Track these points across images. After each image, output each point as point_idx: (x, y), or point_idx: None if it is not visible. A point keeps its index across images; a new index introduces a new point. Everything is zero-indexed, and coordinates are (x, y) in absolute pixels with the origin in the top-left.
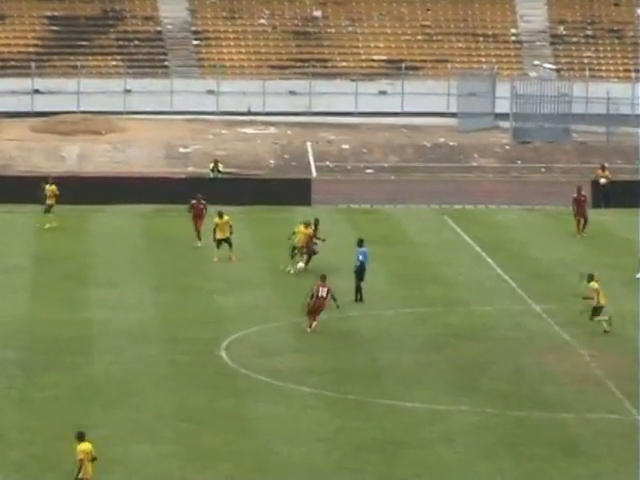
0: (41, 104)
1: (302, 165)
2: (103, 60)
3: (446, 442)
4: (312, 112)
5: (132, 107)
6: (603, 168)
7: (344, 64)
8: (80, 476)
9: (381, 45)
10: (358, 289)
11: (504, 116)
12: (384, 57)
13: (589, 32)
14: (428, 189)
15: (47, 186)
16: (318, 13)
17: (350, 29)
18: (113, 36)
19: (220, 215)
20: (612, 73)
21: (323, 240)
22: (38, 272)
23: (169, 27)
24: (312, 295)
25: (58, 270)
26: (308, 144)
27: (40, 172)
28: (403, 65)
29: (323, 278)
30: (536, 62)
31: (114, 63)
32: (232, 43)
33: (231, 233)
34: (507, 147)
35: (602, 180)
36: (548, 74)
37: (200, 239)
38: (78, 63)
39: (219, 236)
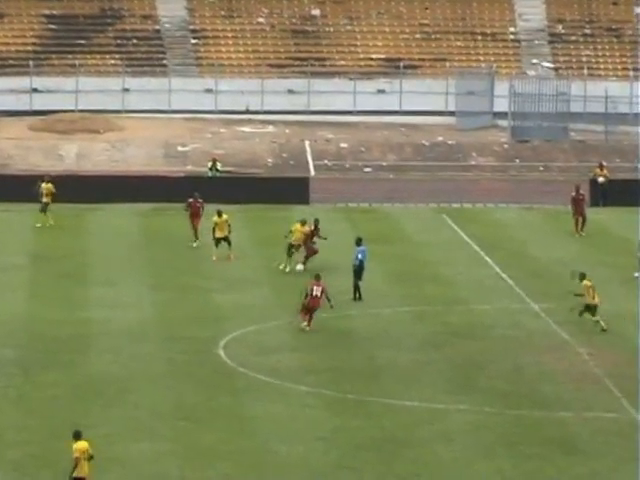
0: (39, 103)
1: (300, 164)
2: (101, 59)
3: (445, 441)
4: (310, 111)
5: (130, 106)
6: (601, 167)
7: (342, 63)
8: (75, 474)
9: (379, 44)
10: (356, 288)
11: (502, 115)
12: (382, 56)
13: (587, 31)
14: (426, 188)
15: (43, 184)
16: (316, 12)
17: (348, 28)
18: (111, 35)
19: (219, 214)
20: (610, 72)
21: (325, 239)
22: (36, 271)
23: (167, 26)
24: (306, 294)
25: (56, 269)
26: (306, 143)
27: (38, 171)
28: (401, 64)
29: (317, 277)
30: (534, 61)
31: (112, 62)
32: (230, 42)
33: (230, 232)
34: (505, 146)
35: (600, 179)
36: (546, 73)
37: (197, 238)
38: (76, 62)
39: (218, 235)
